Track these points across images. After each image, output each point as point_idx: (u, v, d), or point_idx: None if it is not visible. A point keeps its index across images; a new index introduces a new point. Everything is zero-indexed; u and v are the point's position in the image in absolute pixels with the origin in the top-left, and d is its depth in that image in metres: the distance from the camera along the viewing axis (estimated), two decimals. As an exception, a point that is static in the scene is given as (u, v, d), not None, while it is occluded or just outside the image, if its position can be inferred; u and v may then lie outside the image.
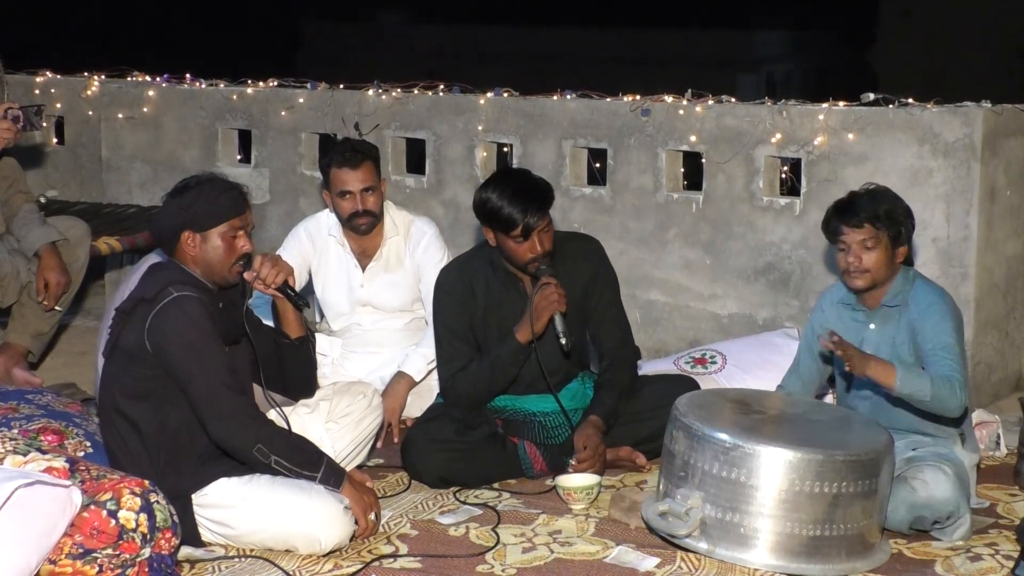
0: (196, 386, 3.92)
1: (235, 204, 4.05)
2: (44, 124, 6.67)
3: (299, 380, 4.40)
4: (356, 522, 4.08)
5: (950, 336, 4.18)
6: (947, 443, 4.33)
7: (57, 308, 5.56)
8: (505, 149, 6.51)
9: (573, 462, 4.56)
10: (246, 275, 4.14)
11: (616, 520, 4.32)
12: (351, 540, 4.07)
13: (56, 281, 5.43)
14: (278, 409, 4.25)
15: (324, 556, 4.01)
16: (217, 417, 3.93)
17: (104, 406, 4.12)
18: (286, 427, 4.19)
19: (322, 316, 5.57)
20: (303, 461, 4.02)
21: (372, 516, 4.13)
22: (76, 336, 6.57)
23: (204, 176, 4.11)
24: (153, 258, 4.69)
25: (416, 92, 6.73)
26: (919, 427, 4.32)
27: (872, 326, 4.35)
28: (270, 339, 4.30)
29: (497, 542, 4.16)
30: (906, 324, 4.28)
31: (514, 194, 4.54)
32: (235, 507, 4.01)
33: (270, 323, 4.42)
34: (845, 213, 4.28)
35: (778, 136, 5.81)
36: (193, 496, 4.01)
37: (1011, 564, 3.95)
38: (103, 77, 7.64)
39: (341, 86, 6.94)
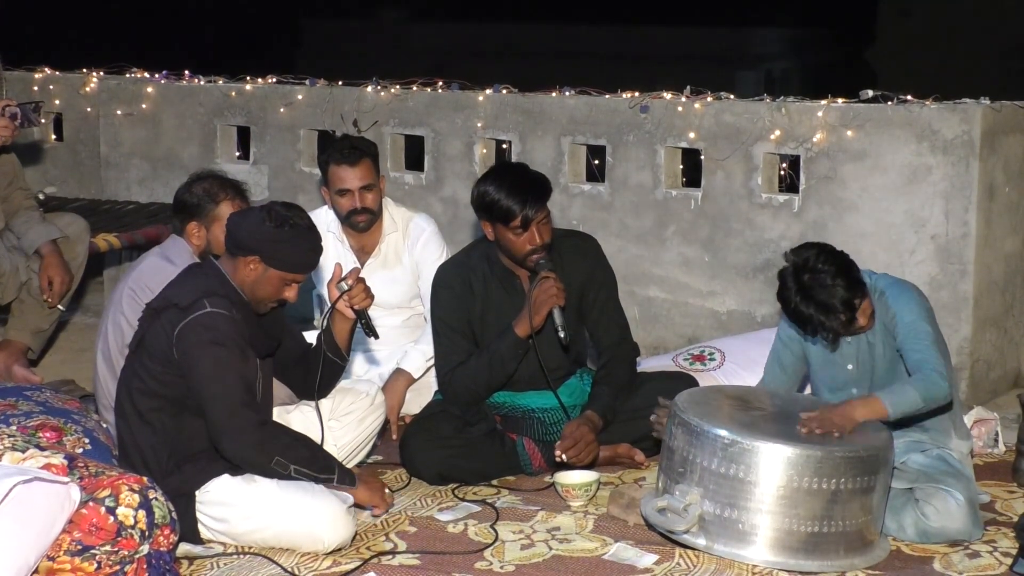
0: (213, 405, 3.94)
1: (312, 265, 4.11)
2: (42, 120, 6.67)
3: (320, 389, 4.40)
4: (372, 510, 4.20)
5: (922, 323, 4.18)
6: (942, 437, 4.34)
7: (60, 307, 5.56)
8: (504, 146, 6.51)
9: (559, 451, 4.56)
10: (336, 288, 4.21)
11: (615, 517, 4.32)
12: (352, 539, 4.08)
13: (60, 279, 5.44)
14: (315, 407, 4.34)
15: (325, 554, 4.01)
16: (232, 438, 3.95)
17: (120, 399, 4.13)
18: (319, 421, 4.31)
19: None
20: (321, 467, 4.05)
21: (387, 491, 4.22)
22: (75, 333, 6.57)
23: (304, 219, 4.04)
24: (155, 260, 4.66)
25: (415, 89, 6.72)
26: (911, 424, 4.34)
27: (848, 339, 4.36)
28: (299, 346, 4.36)
29: (496, 539, 4.16)
30: (879, 328, 4.27)
31: (512, 185, 4.55)
32: (237, 505, 4.02)
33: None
34: (838, 309, 4.09)
35: (777, 133, 5.81)
36: (196, 493, 4.02)
37: (1009, 561, 3.96)
38: (102, 73, 7.63)
39: (340, 83, 6.93)
